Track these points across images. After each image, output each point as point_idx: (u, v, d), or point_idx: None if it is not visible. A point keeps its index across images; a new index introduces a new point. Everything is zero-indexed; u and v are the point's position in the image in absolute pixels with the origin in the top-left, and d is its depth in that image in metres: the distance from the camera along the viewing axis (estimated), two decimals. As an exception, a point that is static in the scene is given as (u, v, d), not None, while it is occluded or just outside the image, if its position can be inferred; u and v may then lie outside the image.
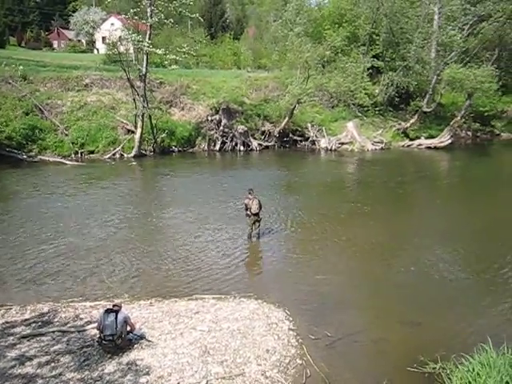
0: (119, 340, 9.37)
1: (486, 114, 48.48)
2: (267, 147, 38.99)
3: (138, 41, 32.79)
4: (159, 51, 33.66)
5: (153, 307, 11.59)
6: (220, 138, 37.91)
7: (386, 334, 10.54)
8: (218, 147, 37.76)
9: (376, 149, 39.71)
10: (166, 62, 34.25)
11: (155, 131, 35.06)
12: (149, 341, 9.94)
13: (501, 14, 42.53)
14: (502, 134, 51.11)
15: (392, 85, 44.66)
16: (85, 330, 10.43)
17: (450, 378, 7.37)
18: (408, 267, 14.46)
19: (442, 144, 41.42)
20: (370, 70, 45.05)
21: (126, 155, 33.62)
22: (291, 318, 11.04)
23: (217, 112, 37.96)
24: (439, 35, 44.60)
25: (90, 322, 10.67)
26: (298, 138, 40.95)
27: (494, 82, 40.34)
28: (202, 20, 43.30)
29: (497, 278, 13.62)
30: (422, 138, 43.14)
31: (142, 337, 10.02)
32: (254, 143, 38.51)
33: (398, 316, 11.37)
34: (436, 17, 45.35)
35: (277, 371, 8.98)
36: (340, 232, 17.89)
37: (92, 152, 33.56)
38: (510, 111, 52.82)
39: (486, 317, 11.34)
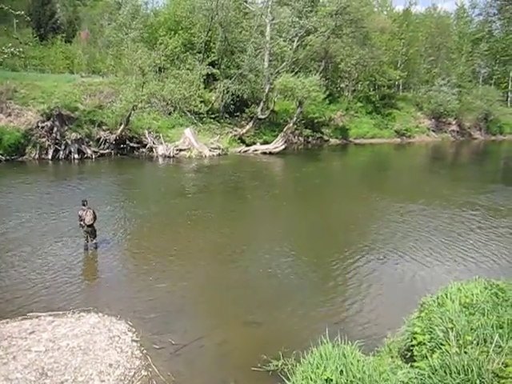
0: None
1: (315, 120, 52.46)
2: (103, 155, 37.86)
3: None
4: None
5: (-21, 331, 10.59)
6: (52, 145, 35.97)
7: (229, 336, 10.70)
8: (50, 155, 35.75)
9: (214, 155, 40.51)
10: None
11: (-22, 139, 32.26)
12: (-25, 369, 9.03)
13: (325, 29, 45.85)
14: (331, 139, 55.48)
15: (228, 92, 45.94)
16: None
17: (293, 373, 7.68)
18: (248, 269, 14.88)
19: (277, 149, 43.49)
20: (206, 78, 45.88)
21: None
22: (134, 329, 10.75)
23: (48, 118, 35.96)
24: (271, 46, 46.94)
25: None
26: (136, 145, 40.43)
27: (321, 91, 43.41)
28: (29, 19, 40.79)
29: (329, 275, 14.49)
30: (258, 143, 44.99)
31: (-35, 366, 9.07)
32: (89, 151, 37.14)
33: (240, 317, 11.60)
34: (268, 28, 47.56)
35: (121, 385, 8.70)
36: (180, 239, 17.87)
37: None
38: (336, 118, 57.38)
39: (322, 311, 11.99)
